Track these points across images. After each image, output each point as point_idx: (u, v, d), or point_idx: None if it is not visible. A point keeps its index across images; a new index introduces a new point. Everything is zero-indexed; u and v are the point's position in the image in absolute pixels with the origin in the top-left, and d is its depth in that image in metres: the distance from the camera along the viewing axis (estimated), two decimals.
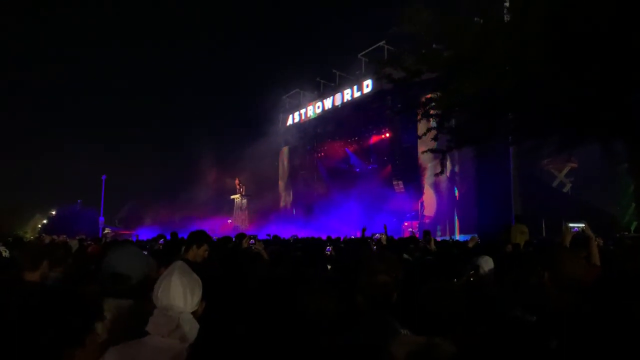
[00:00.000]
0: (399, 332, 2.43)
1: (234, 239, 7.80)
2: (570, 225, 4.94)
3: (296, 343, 2.13)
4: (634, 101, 8.85)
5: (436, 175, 12.98)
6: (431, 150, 12.45)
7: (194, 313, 1.98)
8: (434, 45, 10.41)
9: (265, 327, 2.68)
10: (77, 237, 13.46)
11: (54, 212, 52.42)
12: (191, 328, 1.90)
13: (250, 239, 6.33)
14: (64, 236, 14.93)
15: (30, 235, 35.34)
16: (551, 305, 2.68)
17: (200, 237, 4.39)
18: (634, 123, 8.96)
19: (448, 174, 20.80)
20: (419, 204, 25.99)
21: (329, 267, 5.45)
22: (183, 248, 4.55)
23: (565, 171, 35.78)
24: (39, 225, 50.25)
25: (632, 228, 22.88)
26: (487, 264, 5.14)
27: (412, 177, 26.01)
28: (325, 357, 2.12)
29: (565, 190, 34.22)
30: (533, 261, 4.02)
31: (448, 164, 16.51)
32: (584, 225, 4.97)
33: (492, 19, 9.33)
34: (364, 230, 10.33)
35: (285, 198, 35.88)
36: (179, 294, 1.94)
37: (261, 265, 4.58)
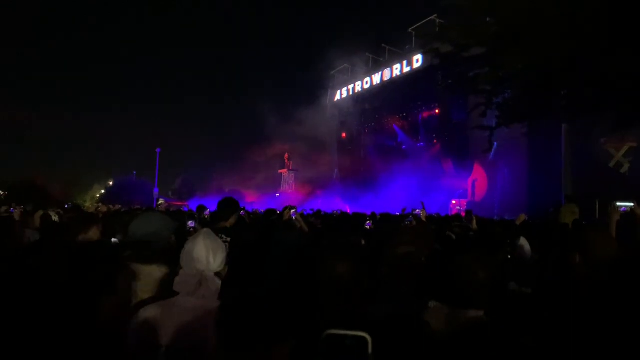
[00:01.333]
0: (426, 304, 2.49)
1: (278, 212, 7.99)
2: (619, 204, 4.69)
3: (316, 307, 2.23)
4: None
5: (484, 152, 12.74)
6: (479, 127, 12.21)
7: (218, 274, 2.11)
8: (483, 19, 10.09)
9: (286, 290, 2.83)
10: (131, 207, 14.06)
11: (110, 183, 54.85)
12: (214, 287, 2.03)
13: (292, 210, 6.47)
14: (119, 206, 15.63)
15: (89, 204, 37.20)
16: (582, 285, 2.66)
17: (230, 206, 4.55)
18: None
19: (499, 152, 20.28)
20: (469, 182, 25.52)
21: (362, 241, 5.52)
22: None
23: (623, 150, 34.04)
24: (97, 195, 52.65)
25: None
26: (525, 245, 5.12)
27: (462, 155, 25.48)
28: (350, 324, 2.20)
29: (622, 170, 32.61)
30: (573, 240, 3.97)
31: (499, 141, 16.10)
32: (633, 204, 4.74)
33: None
34: (403, 210, 10.32)
35: (333, 173, 36.00)
36: (202, 255, 2.07)
37: (293, 234, 4.72)
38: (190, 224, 5.52)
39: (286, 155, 39.57)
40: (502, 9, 9.20)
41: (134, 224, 2.59)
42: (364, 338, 1.17)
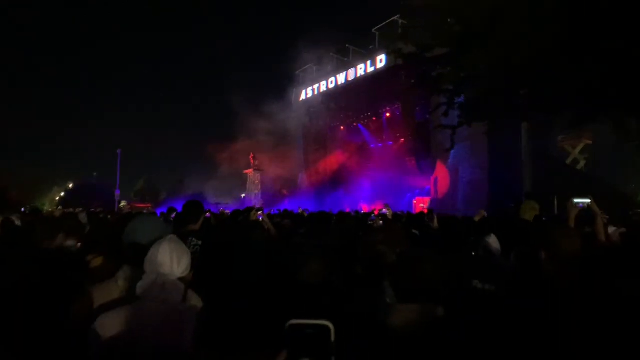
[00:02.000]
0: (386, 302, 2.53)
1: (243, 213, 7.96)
2: (576, 201, 4.86)
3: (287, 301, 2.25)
4: None
5: (446, 150, 12.99)
6: (441, 126, 12.43)
7: (182, 280, 2.11)
8: (446, 20, 10.29)
9: (257, 295, 2.84)
10: (91, 210, 13.71)
11: (71, 186, 53.38)
12: (175, 291, 2.03)
13: (259, 211, 6.46)
14: (79, 209, 15.24)
15: (48, 207, 36.06)
16: (549, 281, 2.74)
17: (197, 208, 4.52)
18: None
19: (460, 150, 20.69)
20: (431, 180, 25.97)
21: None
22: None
23: (579, 148, 35.34)
24: (57, 198, 51.20)
25: None
26: (493, 241, 5.23)
27: (425, 153, 25.93)
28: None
29: (579, 167, 33.85)
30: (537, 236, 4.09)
31: (460, 139, 16.42)
32: (589, 201, 4.91)
33: None
34: (372, 211, 10.46)
35: (299, 173, 36.00)
36: (167, 260, 2.07)
37: (259, 234, 4.72)
38: None
39: (252, 155, 39.32)
40: (463, 10, 9.42)
41: (133, 226, 2.54)
42: (326, 327, 1.19)
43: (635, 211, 18.32)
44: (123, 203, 30.46)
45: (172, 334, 1.92)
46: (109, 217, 10.26)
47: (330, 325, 1.18)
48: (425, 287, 2.10)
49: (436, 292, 2.10)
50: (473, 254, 5.08)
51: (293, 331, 1.19)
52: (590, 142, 34.89)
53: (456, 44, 9.95)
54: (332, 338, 1.18)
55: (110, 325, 1.91)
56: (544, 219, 11.54)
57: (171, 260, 2.08)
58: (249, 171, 38.74)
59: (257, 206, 8.03)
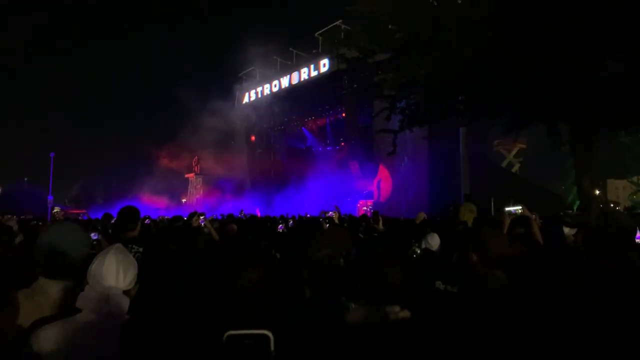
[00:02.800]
0: (347, 306, 2.52)
1: (185, 218, 7.77)
2: (507, 209, 5.19)
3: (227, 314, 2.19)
4: (576, 85, 9.24)
5: (388, 154, 13.21)
6: (383, 130, 12.63)
7: (127, 293, 2.01)
8: (388, 26, 10.46)
9: (195, 299, 2.77)
10: (22, 217, 12.99)
11: None
12: (120, 304, 1.93)
13: (200, 217, 6.31)
14: (9, 216, 14.40)
15: None
16: (482, 282, 2.82)
17: (134, 214, 4.41)
18: (575, 104, 9.37)
19: (402, 154, 21.14)
20: (374, 183, 26.39)
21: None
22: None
23: (514, 152, 37.06)
24: None
25: (575, 207, 23.98)
26: (433, 240, 5.37)
27: (368, 157, 26.31)
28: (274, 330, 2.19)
29: (514, 170, 35.44)
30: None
31: (402, 144, 16.74)
32: (520, 207, 5.18)
33: (445, 1, 9.47)
34: (321, 213, 10.48)
35: (243, 177, 35.61)
36: (112, 271, 1.97)
37: (201, 241, 4.62)
38: (93, 236, 5.13)
39: (195, 159, 38.60)
40: (404, 17, 9.62)
41: (48, 235, 2.36)
42: (265, 336, 1.16)
43: (565, 212, 19.37)
44: (56, 209, 29.04)
45: (115, 348, 1.82)
46: (40, 224, 9.74)
47: (270, 335, 1.15)
48: (391, 289, 2.10)
49: (397, 293, 2.10)
50: (417, 253, 5.22)
51: (231, 342, 1.15)
52: (524, 146, 36.67)
53: (397, 50, 10.16)
54: (272, 347, 1.15)
55: (48, 339, 1.79)
56: (482, 219, 12.01)
57: (117, 272, 1.98)
58: (191, 175, 38.01)
59: (199, 211, 7.84)
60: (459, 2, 9.80)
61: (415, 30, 9.30)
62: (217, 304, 2.66)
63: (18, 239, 5.16)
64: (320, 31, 26.93)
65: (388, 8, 9.90)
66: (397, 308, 2.03)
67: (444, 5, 9.44)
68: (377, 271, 2.30)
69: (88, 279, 1.97)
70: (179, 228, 6.48)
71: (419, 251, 5.08)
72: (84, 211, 29.73)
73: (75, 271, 2.25)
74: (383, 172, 25.28)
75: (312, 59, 28.27)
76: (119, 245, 2.15)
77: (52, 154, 33.03)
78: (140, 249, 4.15)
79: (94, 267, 1.97)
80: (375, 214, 8.93)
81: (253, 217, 12.87)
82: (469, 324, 2.32)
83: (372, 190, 26.96)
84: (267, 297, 2.48)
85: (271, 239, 6.13)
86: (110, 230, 7.06)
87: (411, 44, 9.36)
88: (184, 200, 38.65)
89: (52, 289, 2.18)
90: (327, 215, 9.18)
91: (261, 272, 2.48)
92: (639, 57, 8.34)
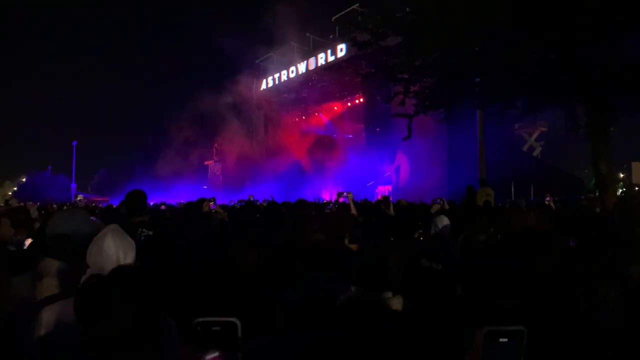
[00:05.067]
0: (346, 289, 2.56)
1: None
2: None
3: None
4: (592, 65, 9.05)
5: (404, 139, 13.13)
6: (398, 115, 12.56)
7: None
8: (401, 9, 10.36)
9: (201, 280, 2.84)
10: (45, 204, 13.32)
11: (24, 179, 51.52)
12: None
13: (210, 202, 6.38)
14: (30, 203, 14.78)
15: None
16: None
17: (143, 198, 4.47)
18: (591, 87, 9.18)
19: (420, 139, 20.98)
20: (393, 169, 26.26)
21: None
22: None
23: (535, 135, 36.42)
24: (9, 193, 49.35)
25: (597, 191, 23.51)
26: (441, 222, 5.38)
27: (386, 142, 26.13)
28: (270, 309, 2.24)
29: (535, 154, 34.85)
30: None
31: (420, 128, 16.59)
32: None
33: None
34: (339, 194, 10.46)
35: (261, 163, 35.72)
36: (112, 252, 2.02)
37: (212, 227, 4.70)
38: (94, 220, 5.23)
39: (215, 145, 38.83)
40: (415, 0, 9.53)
41: (57, 218, 2.45)
42: (233, 323, 1.20)
43: (587, 196, 19.03)
44: (80, 197, 29.67)
45: None
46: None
47: (237, 322, 1.19)
48: (381, 275, 2.14)
49: (393, 279, 2.14)
50: (421, 237, 5.25)
51: (201, 328, 1.19)
52: (545, 129, 35.97)
53: (408, 33, 10.05)
54: (239, 334, 1.19)
55: (49, 319, 1.85)
56: (499, 204, 11.92)
57: (117, 252, 2.03)
58: (210, 162, 38.29)
59: (215, 196, 7.93)
60: None
61: (423, 11, 9.17)
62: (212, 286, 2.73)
63: (37, 225, 5.34)
64: (336, 16, 26.64)
65: None
66: (389, 294, 2.07)
67: None
68: (371, 257, 2.34)
69: (88, 262, 2.02)
70: (190, 213, 6.59)
71: (423, 236, 5.10)
72: (106, 199, 30.31)
73: (79, 253, 2.29)
74: (401, 157, 25.13)
75: (330, 44, 28.05)
76: (115, 226, 2.19)
77: (74, 143, 33.71)
78: (150, 232, 4.21)
79: (93, 250, 2.03)
80: (386, 199, 8.92)
81: (272, 203, 12.91)
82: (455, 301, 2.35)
83: (391, 175, 26.84)
84: (264, 278, 2.55)
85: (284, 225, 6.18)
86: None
87: (420, 26, 9.25)
88: (204, 187, 38.99)
89: (55, 269, 2.22)
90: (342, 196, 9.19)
91: (261, 254, 2.55)
92: None
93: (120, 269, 1.48)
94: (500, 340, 0.89)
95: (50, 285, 2.17)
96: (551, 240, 2.47)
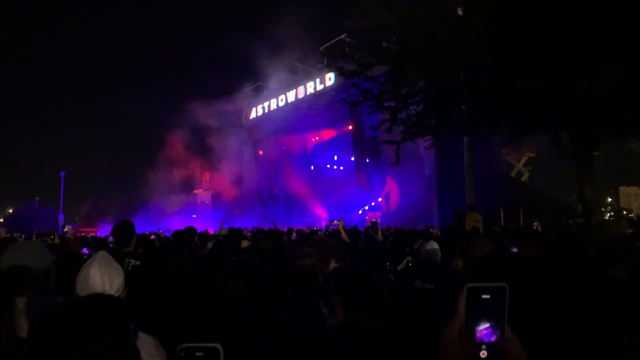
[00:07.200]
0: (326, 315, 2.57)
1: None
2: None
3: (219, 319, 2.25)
4: (574, 93, 9.24)
5: (391, 165, 13.24)
6: (386, 142, 12.70)
7: None
8: (384, 39, 10.58)
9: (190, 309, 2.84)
10: (30, 235, 13.15)
11: (10, 211, 50.96)
12: None
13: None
14: (17, 234, 14.60)
15: None
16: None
17: (130, 229, 4.45)
18: (574, 113, 9.35)
19: (410, 166, 21.12)
20: (382, 195, 26.35)
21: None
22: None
23: (523, 160, 36.79)
24: None
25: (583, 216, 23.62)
26: (430, 246, 5.42)
27: (375, 169, 26.28)
28: (259, 333, 2.25)
29: (523, 179, 35.13)
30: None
31: (409, 155, 16.76)
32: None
33: (439, 13, 9.55)
34: (331, 222, 10.48)
35: (251, 191, 35.65)
36: (97, 280, 2.03)
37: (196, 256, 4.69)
38: (86, 251, 5.20)
39: (205, 175, 38.79)
40: (400, 30, 9.72)
41: (9, 252, 2.34)
42: (216, 349, 1.22)
43: (575, 220, 19.11)
44: (67, 228, 29.35)
45: None
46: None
47: (219, 347, 1.21)
48: (371, 300, 2.15)
49: (378, 305, 2.15)
50: (410, 262, 5.27)
51: (185, 354, 1.21)
52: (532, 154, 36.33)
53: (395, 62, 10.24)
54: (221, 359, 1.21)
55: None
56: (498, 229, 11.99)
57: (102, 280, 2.04)
58: (199, 191, 38.17)
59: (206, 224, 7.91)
60: (453, 13, 9.88)
61: (409, 43, 9.38)
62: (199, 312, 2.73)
63: None
64: (324, 45, 26.99)
65: (384, 22, 10.01)
66: (372, 319, 2.08)
67: (436, 18, 9.52)
68: (355, 283, 2.36)
69: (77, 290, 2.03)
70: (178, 244, 6.57)
71: (410, 265, 5.13)
72: (94, 229, 30.01)
73: (38, 283, 2.22)
74: (391, 184, 25.24)
75: (318, 73, 28.37)
76: (102, 252, 2.21)
77: (62, 174, 33.46)
78: (137, 263, 4.23)
79: (81, 278, 2.04)
80: (374, 224, 8.99)
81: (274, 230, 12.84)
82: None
83: (380, 202, 26.91)
84: (251, 303, 2.55)
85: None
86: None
87: (406, 56, 9.44)
88: (194, 216, 38.77)
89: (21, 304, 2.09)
90: (332, 224, 9.28)
91: (245, 280, 2.55)
92: (634, 63, 8.34)
93: (91, 297, 1.48)
94: (483, 297, 0.91)
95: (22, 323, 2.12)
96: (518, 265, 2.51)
